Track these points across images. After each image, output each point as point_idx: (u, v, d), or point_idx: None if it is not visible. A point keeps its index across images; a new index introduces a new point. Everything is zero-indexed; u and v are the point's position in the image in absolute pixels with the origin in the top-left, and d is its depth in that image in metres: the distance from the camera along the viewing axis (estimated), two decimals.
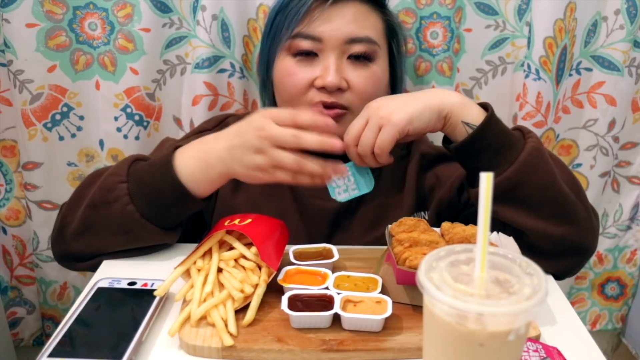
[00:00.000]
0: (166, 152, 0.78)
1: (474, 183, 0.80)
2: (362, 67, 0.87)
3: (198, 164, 0.74)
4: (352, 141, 0.76)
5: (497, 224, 0.76)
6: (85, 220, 0.77)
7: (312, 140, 0.70)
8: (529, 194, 0.75)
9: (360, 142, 0.76)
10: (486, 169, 0.83)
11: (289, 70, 0.87)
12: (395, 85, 0.97)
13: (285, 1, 0.88)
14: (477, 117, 0.76)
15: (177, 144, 0.79)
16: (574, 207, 0.76)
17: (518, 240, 0.68)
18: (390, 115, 0.74)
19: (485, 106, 0.78)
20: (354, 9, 0.86)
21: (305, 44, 0.86)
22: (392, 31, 0.93)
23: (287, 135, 0.69)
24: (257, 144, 0.69)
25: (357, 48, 0.86)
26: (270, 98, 0.96)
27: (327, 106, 0.86)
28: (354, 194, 0.80)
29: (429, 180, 0.95)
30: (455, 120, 0.76)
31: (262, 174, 0.71)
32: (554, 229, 0.75)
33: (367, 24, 0.87)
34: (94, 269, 0.79)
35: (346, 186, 0.80)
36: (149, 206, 0.75)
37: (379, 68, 0.89)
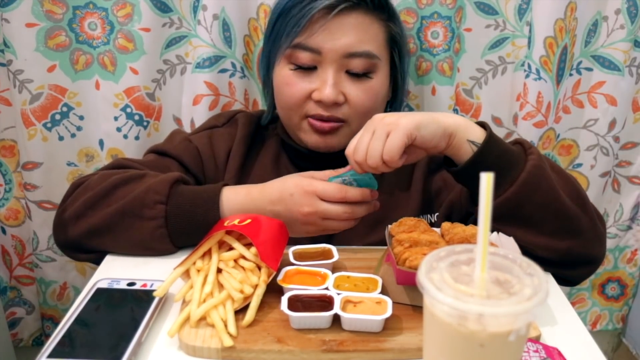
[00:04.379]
0: (212, 186, 0.81)
1: (477, 201, 0.79)
2: (360, 82, 0.87)
3: (242, 211, 0.77)
4: (362, 155, 0.73)
5: None
6: (108, 223, 0.78)
7: (362, 211, 0.77)
8: (530, 212, 0.74)
9: (369, 154, 0.72)
10: None
11: (287, 80, 0.87)
12: (396, 94, 0.97)
13: (287, 5, 0.86)
14: (480, 136, 0.75)
15: (223, 186, 0.81)
16: (577, 221, 0.76)
17: (524, 252, 0.68)
18: (398, 120, 0.72)
19: (483, 125, 0.77)
20: (355, 21, 0.85)
21: (304, 57, 0.85)
22: (394, 41, 0.91)
23: (340, 212, 0.75)
24: (305, 219, 0.76)
25: (356, 64, 0.85)
26: (271, 98, 0.96)
27: (324, 119, 0.87)
28: None
29: (435, 183, 0.95)
30: (459, 139, 0.75)
31: (307, 234, 0.79)
32: (558, 243, 0.75)
33: (367, 37, 0.86)
34: (94, 261, 0.80)
35: None
36: (181, 233, 0.78)
37: (378, 81, 0.89)
